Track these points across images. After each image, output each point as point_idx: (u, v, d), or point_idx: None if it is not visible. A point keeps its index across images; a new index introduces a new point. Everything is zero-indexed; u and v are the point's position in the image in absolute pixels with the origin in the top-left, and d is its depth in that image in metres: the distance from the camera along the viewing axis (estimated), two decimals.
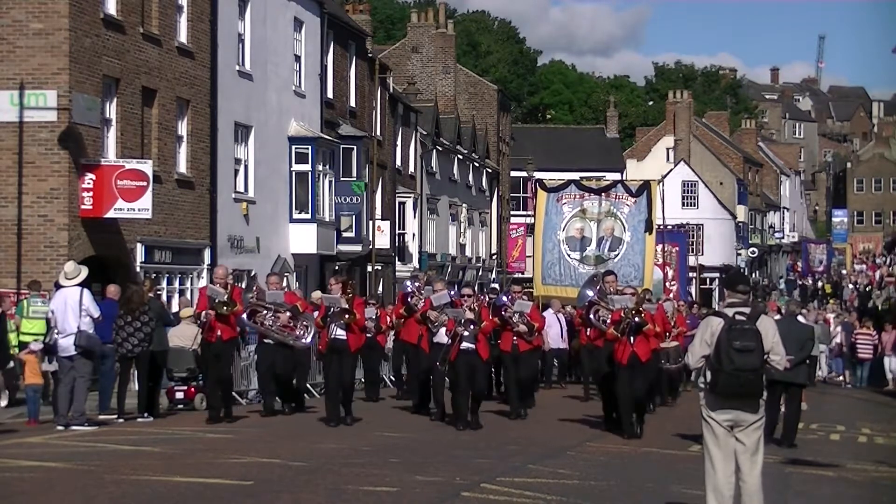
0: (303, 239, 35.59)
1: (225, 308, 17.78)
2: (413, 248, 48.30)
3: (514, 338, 19.90)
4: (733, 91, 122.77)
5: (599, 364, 18.34)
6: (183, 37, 29.45)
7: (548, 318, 27.29)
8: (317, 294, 24.63)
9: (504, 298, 20.78)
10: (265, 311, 18.96)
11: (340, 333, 17.77)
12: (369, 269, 41.72)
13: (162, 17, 28.23)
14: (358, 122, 41.31)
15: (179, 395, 20.55)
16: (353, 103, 41.35)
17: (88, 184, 24.54)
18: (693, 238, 75.97)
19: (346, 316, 17.67)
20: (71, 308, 16.94)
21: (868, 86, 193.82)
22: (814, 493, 13.13)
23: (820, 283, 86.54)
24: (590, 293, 18.44)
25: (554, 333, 27.90)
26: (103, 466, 13.03)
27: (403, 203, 47.47)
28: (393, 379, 26.19)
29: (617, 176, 57.35)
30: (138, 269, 26.45)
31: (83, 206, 24.54)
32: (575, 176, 35.49)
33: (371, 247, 41.10)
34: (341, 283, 18.29)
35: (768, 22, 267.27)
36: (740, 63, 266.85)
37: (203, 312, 17.98)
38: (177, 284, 28.74)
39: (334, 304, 17.83)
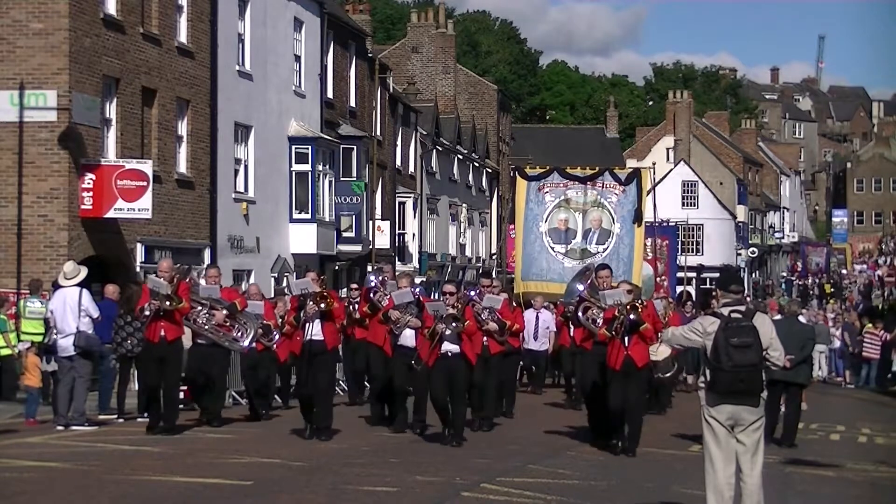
0: (303, 239, 35.60)
1: (168, 303, 16.04)
2: (413, 248, 48.31)
3: (485, 338, 17.71)
4: (733, 91, 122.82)
5: (586, 369, 16.43)
6: (183, 37, 29.45)
7: (527, 317, 25.20)
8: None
9: (472, 293, 18.27)
10: (199, 308, 17.00)
11: (317, 334, 15.68)
12: (369, 269, 41.71)
13: (162, 17, 28.23)
14: (358, 122, 41.32)
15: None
16: (353, 103, 41.36)
17: (88, 184, 24.54)
18: (688, 234, 75.99)
19: (323, 304, 15.58)
20: (70, 308, 16.92)
21: (868, 86, 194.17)
22: (814, 493, 13.13)
23: (818, 283, 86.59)
24: (580, 287, 16.34)
25: (528, 333, 25.35)
26: (103, 466, 13.04)
27: (403, 203, 47.49)
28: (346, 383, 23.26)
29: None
30: (138, 269, 26.44)
31: (83, 206, 24.54)
32: None
33: (371, 247, 41.10)
34: (316, 273, 16.61)
35: (768, 22, 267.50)
36: (739, 63, 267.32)
37: (146, 305, 16.17)
38: None
39: (305, 288, 15.74)
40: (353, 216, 38.57)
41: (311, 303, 15.60)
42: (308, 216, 35.65)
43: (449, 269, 52.99)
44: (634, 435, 15.25)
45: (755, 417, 9.63)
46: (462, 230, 56.70)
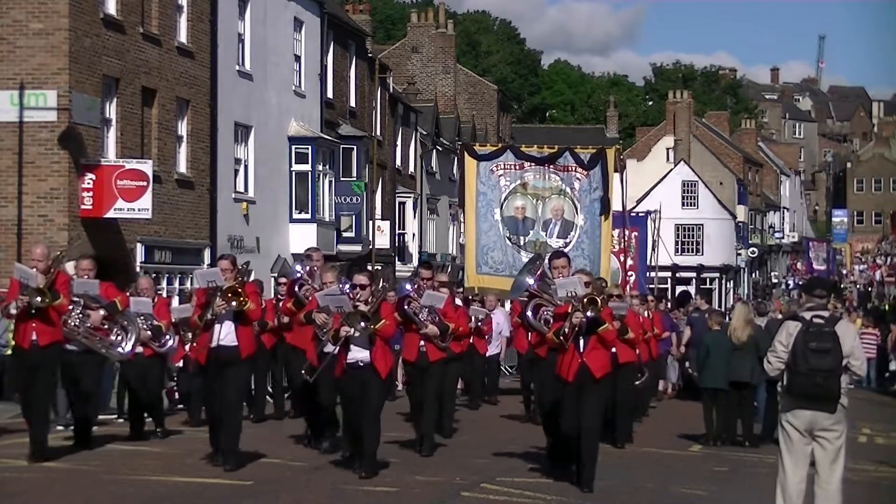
0: (303, 239, 35.51)
1: (40, 299, 13.05)
2: (413, 248, 48.33)
3: (422, 342, 14.84)
4: (733, 91, 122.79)
5: (543, 380, 13.66)
6: (183, 37, 29.46)
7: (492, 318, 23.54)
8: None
9: (407, 287, 15.26)
10: (70, 307, 14.00)
11: (227, 338, 12.83)
12: (369, 269, 41.74)
13: (162, 17, 28.24)
14: (358, 122, 41.32)
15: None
16: (353, 103, 41.37)
17: (88, 184, 24.57)
18: (688, 234, 75.93)
19: (234, 302, 12.63)
20: None
21: (868, 86, 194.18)
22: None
23: None
24: (529, 281, 13.36)
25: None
26: (103, 466, 13.04)
27: (403, 203, 47.50)
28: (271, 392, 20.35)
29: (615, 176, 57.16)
30: (138, 269, 26.45)
31: (83, 206, 24.56)
32: None
33: (371, 247, 41.11)
34: (230, 261, 13.22)
35: (768, 22, 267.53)
36: (739, 62, 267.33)
37: (12, 302, 13.27)
38: (177, 284, 28.74)
39: (213, 280, 12.87)
40: (353, 216, 38.60)
41: (221, 300, 12.72)
42: (308, 216, 35.67)
43: (449, 270, 52.98)
44: (589, 464, 12.16)
45: (833, 423, 9.65)
46: (462, 230, 56.68)
